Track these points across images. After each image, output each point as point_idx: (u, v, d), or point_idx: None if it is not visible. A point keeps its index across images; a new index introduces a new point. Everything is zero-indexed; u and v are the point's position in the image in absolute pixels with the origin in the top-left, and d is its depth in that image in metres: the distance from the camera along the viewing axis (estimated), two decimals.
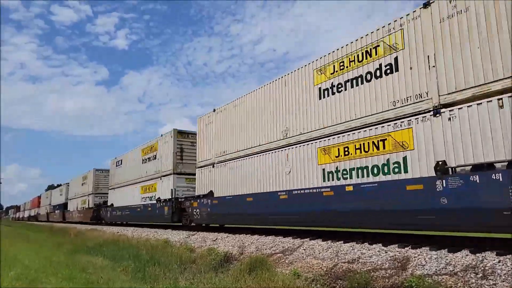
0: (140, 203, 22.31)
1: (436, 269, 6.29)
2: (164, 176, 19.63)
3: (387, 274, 6.59)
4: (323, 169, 10.02)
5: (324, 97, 10.30)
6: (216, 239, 13.09)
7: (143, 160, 23.05)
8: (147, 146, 22.74)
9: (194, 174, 17.41)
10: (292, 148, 11.20)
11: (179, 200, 17.99)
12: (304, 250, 9.13)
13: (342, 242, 9.00)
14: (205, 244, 12.63)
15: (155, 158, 21.22)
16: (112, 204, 27.93)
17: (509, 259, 5.87)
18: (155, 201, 20.00)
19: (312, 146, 10.43)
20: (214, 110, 15.70)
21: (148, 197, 21.34)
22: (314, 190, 10.06)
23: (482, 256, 6.21)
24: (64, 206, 44.31)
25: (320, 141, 10.21)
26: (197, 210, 15.73)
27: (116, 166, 28.53)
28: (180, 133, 19.42)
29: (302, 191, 10.49)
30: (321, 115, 10.28)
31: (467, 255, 6.44)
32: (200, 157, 16.50)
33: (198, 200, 15.75)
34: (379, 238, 9.02)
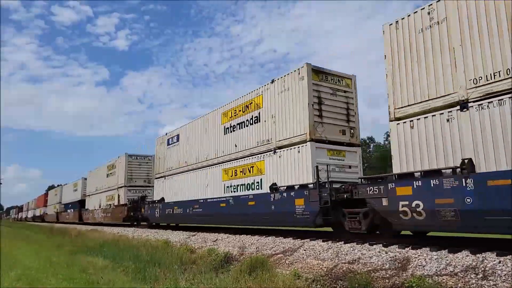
0: (224, 195, 14.59)
1: (436, 270, 6.29)
2: (281, 148, 11.99)
3: (388, 275, 6.59)
4: None
5: None
6: (217, 239, 13.09)
7: (226, 128, 15.13)
8: (237, 105, 14.55)
9: (340, 144, 11.45)
10: None
11: (333, 186, 9.97)
12: (305, 250, 9.13)
13: (342, 242, 9.00)
14: (205, 245, 12.64)
15: (256, 121, 13.42)
16: (162, 199, 20.08)
17: (510, 259, 5.87)
18: (268, 191, 12.17)
19: None
20: None
21: (241, 184, 13.77)
22: None
23: (483, 257, 6.21)
24: (80, 204, 36.43)
25: None
26: (414, 203, 7.63)
27: (168, 145, 20.22)
28: (316, 73, 11.54)
29: None
30: None
31: (467, 255, 6.44)
32: (401, 99, 8.53)
33: (417, 183, 7.68)
34: (379, 239, 9.01)
